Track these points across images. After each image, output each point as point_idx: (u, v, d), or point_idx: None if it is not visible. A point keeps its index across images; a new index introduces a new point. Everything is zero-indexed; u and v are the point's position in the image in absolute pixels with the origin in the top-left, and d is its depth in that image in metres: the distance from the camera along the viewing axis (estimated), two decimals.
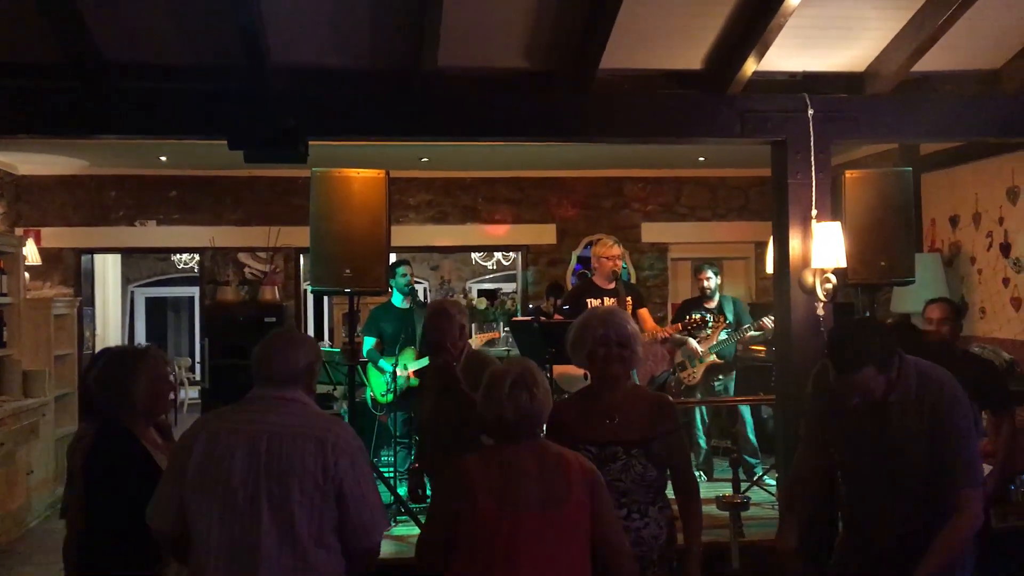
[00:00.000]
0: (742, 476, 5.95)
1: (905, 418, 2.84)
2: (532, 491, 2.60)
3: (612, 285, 6.14)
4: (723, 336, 6.85)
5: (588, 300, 6.08)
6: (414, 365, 6.78)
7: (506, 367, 2.80)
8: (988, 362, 5.08)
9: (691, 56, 5.05)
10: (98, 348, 9.08)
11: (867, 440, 2.90)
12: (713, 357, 6.85)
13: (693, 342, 6.88)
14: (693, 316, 6.46)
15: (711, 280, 6.93)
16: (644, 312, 6.31)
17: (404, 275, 6.92)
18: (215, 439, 2.59)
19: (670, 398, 3.47)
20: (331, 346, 10.07)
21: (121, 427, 2.97)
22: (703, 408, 6.99)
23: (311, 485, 2.52)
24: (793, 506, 3.24)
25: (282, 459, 2.53)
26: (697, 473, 7.04)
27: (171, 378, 3.17)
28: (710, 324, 6.72)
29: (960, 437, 2.81)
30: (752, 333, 6.76)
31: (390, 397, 6.70)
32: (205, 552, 2.54)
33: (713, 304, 6.93)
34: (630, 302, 6.17)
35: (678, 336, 6.95)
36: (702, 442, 7.03)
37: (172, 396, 3.25)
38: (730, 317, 6.91)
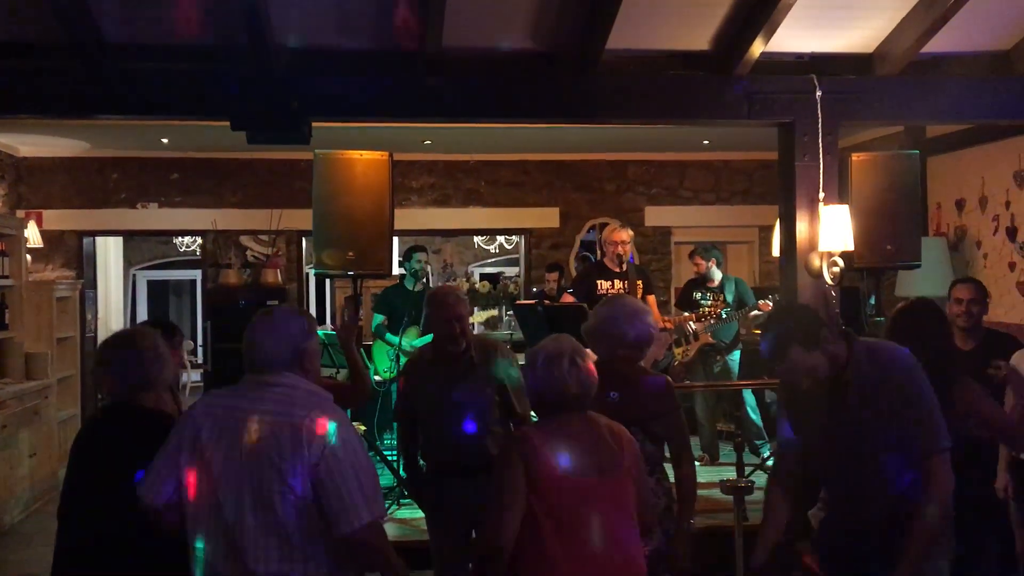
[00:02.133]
0: (746, 460, 5.93)
1: (862, 395, 2.82)
2: (590, 459, 2.67)
3: (622, 268, 6.11)
4: (723, 315, 6.85)
5: (598, 282, 6.05)
6: (418, 342, 6.80)
7: (555, 343, 2.82)
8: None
9: (698, 37, 5.00)
10: (100, 331, 9.10)
11: (830, 422, 2.90)
12: (708, 336, 6.85)
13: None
14: (704, 308, 6.46)
15: (701, 264, 7.01)
16: (652, 299, 6.29)
17: (420, 261, 6.99)
18: (202, 427, 2.55)
19: (669, 380, 3.61)
20: (333, 329, 10.05)
21: (144, 406, 2.90)
22: (700, 392, 7.01)
23: (290, 473, 2.45)
24: (769, 514, 3.14)
25: (261, 449, 2.47)
26: (698, 455, 7.10)
27: (165, 353, 3.10)
28: (723, 314, 6.73)
29: (919, 405, 2.78)
30: (755, 312, 6.75)
31: (394, 372, 6.73)
32: (195, 534, 2.52)
33: (715, 284, 6.95)
34: (640, 286, 6.14)
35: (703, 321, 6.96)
36: (705, 424, 7.04)
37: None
38: (729, 298, 6.90)
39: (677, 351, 7.01)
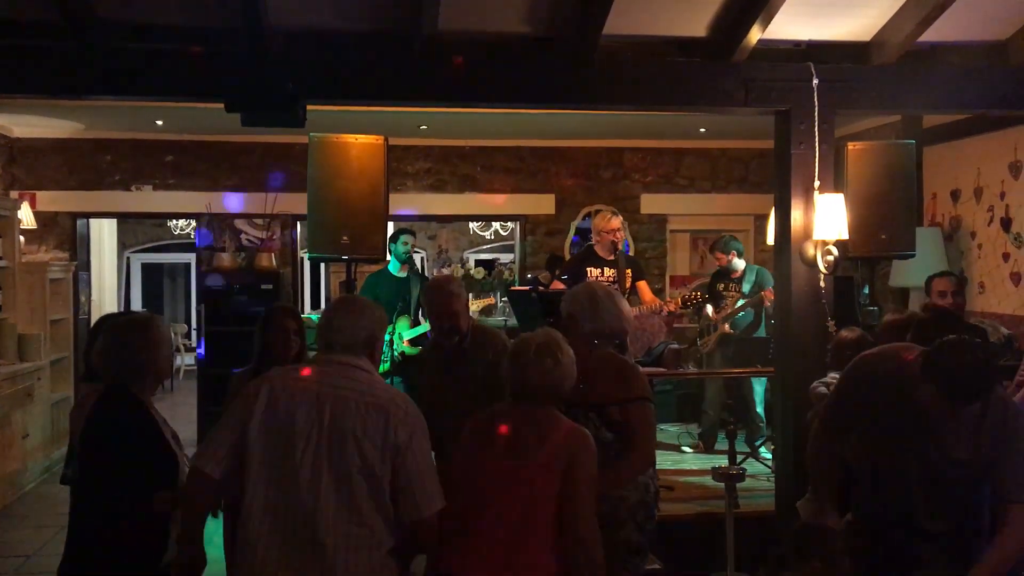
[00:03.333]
0: (739, 448, 5.96)
1: (964, 428, 2.77)
2: (500, 441, 2.70)
3: (612, 256, 6.12)
4: (738, 304, 6.86)
5: (588, 269, 6.07)
6: (409, 334, 6.77)
7: (532, 334, 2.87)
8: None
9: (695, 23, 4.98)
10: (94, 313, 9.07)
11: (920, 445, 2.82)
12: (726, 326, 6.87)
13: (709, 309, 6.91)
14: (694, 293, 6.48)
15: (723, 259, 7.02)
16: (642, 284, 6.30)
17: (405, 243, 6.92)
18: (278, 395, 2.58)
19: (638, 368, 3.51)
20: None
21: (130, 392, 2.93)
22: (713, 380, 7.02)
23: (371, 452, 2.52)
24: (826, 481, 3.07)
25: (346, 424, 2.53)
26: (693, 442, 7.13)
27: (167, 339, 3.12)
28: (720, 305, 6.74)
29: (1020, 454, 2.78)
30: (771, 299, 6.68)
31: (386, 366, 6.69)
32: (260, 507, 2.54)
33: (738, 274, 6.99)
34: (630, 274, 6.15)
35: (688, 307, 6.95)
36: (710, 412, 7.05)
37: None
38: (746, 288, 6.89)
39: (700, 343, 7.06)
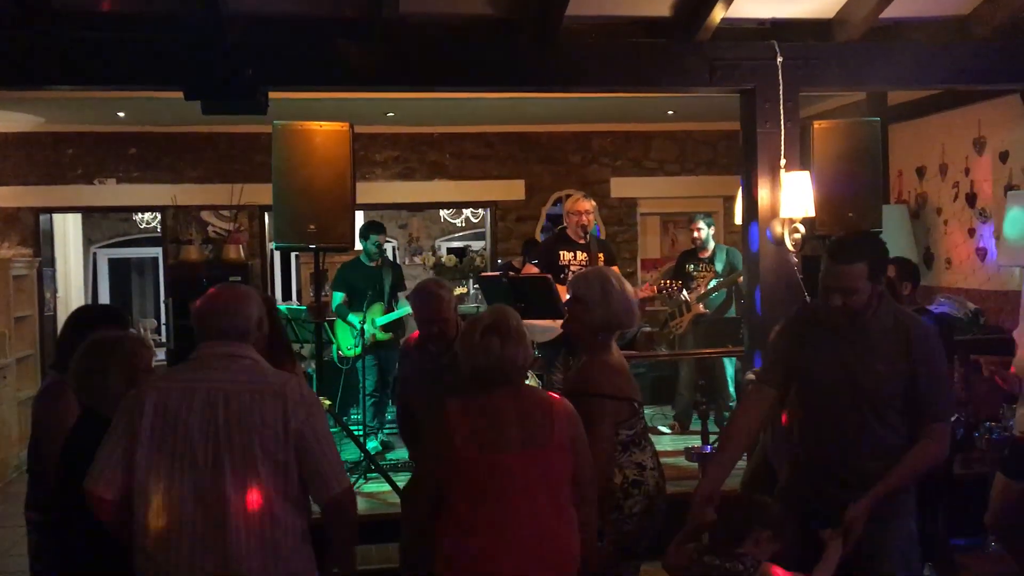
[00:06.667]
0: (711, 428, 5.98)
1: (884, 345, 2.88)
2: (511, 433, 2.63)
3: (584, 240, 6.09)
4: (711, 285, 6.86)
5: (560, 252, 6.04)
6: (382, 320, 6.75)
7: (481, 315, 2.82)
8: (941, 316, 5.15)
9: (659, 3, 4.97)
10: (60, 310, 8.94)
11: (844, 361, 2.91)
12: (700, 307, 6.87)
13: (685, 293, 6.90)
14: (668, 280, 6.48)
15: (702, 231, 6.95)
16: (615, 270, 6.28)
17: (375, 243, 6.86)
18: (167, 400, 2.51)
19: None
20: (299, 304, 9.96)
21: (103, 416, 2.85)
22: (687, 361, 7.03)
23: (272, 440, 2.49)
24: (726, 447, 3.16)
25: (242, 416, 2.49)
26: (670, 423, 7.17)
27: (147, 363, 3.01)
28: (691, 286, 6.75)
29: (939, 376, 2.92)
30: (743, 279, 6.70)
31: (358, 350, 6.66)
32: (167, 515, 2.47)
33: (707, 254, 6.95)
34: (602, 258, 6.13)
35: (663, 294, 6.96)
36: (685, 393, 7.07)
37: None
38: (719, 268, 6.89)
39: (671, 324, 7.03)
